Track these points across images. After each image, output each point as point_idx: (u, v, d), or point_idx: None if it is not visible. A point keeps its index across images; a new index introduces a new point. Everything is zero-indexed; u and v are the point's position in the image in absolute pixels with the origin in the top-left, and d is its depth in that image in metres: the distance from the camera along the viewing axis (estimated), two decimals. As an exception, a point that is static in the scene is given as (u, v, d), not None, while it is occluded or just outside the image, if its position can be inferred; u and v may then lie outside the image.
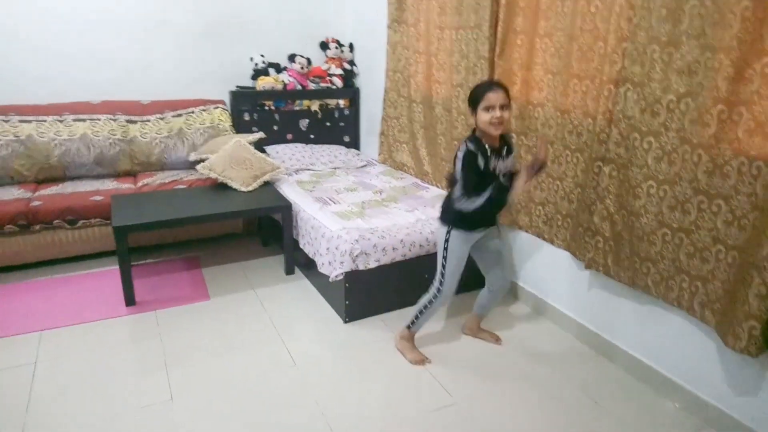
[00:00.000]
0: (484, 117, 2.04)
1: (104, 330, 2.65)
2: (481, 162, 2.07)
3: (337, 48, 4.44)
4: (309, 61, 4.36)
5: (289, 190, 3.45)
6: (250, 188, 3.40)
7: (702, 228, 1.94)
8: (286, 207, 3.16)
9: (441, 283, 2.31)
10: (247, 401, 2.16)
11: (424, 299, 2.38)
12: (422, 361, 2.42)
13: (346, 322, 2.74)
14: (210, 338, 2.60)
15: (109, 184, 3.53)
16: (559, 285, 2.75)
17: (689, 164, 1.94)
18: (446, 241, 2.26)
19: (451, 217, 2.24)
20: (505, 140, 2.19)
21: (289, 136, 4.39)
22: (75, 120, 3.62)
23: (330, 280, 2.66)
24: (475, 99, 2.07)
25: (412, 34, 3.57)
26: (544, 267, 2.82)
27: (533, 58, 2.67)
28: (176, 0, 3.94)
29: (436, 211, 3.02)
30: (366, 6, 4.24)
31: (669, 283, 2.10)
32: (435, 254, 2.84)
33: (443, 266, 2.29)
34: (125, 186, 3.52)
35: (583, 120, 2.42)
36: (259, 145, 3.90)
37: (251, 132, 4.06)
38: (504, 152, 2.16)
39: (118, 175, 3.74)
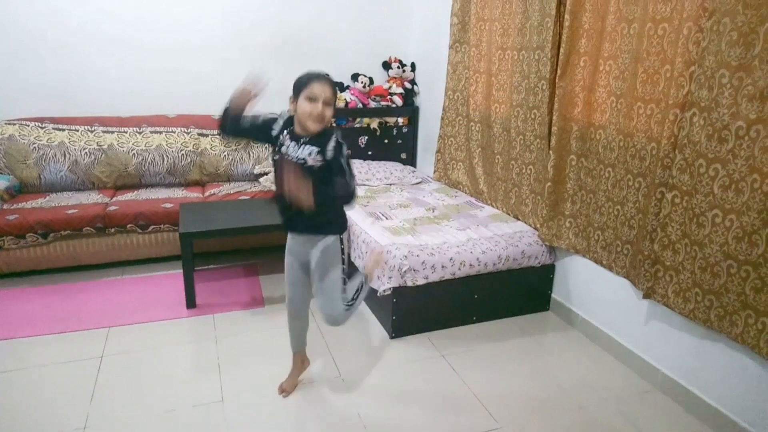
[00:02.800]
0: (304, 107, 1.88)
1: (165, 330, 2.79)
2: (276, 128, 1.98)
3: (399, 67, 4.53)
4: (371, 80, 4.47)
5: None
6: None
7: (771, 262, 1.82)
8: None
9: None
10: (292, 408, 2.21)
11: None
12: (281, 390, 2.29)
13: (392, 337, 2.75)
14: (262, 344, 2.68)
15: (179, 193, 3.74)
16: (615, 313, 2.65)
17: (758, 194, 1.84)
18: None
19: None
20: (320, 137, 1.93)
21: (348, 152, 4.48)
22: (152, 132, 3.88)
23: (378, 294, 2.69)
24: (298, 85, 1.92)
25: (473, 54, 3.59)
26: (601, 294, 2.73)
27: (596, 79, 2.63)
28: (251, 22, 4.16)
29: (489, 231, 3.02)
30: (430, 27, 4.31)
31: (733, 318, 1.98)
32: (486, 275, 2.84)
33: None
34: (193, 195, 3.72)
35: (646, 144, 2.35)
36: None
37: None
38: (313, 144, 1.92)
39: (187, 185, 3.96)
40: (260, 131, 2.04)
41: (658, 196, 2.26)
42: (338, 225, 2.09)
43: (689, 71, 2.08)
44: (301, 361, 2.36)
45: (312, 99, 1.88)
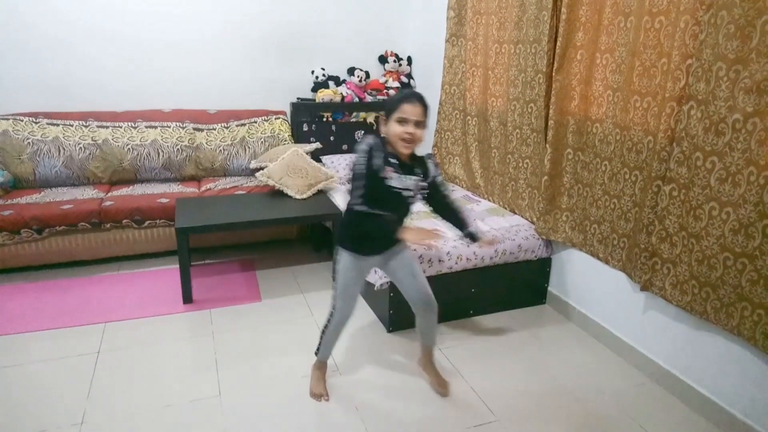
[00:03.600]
0: (395, 129, 1.86)
1: (162, 325, 2.79)
2: (377, 162, 1.88)
3: (395, 61, 4.51)
4: (367, 74, 4.45)
5: (341, 199, 3.52)
6: (305, 196, 3.50)
7: (767, 254, 1.83)
8: (338, 215, 3.23)
9: (334, 304, 2.15)
10: (290, 402, 2.21)
11: (324, 322, 2.22)
12: (319, 396, 2.23)
13: (389, 331, 2.76)
14: (259, 339, 2.68)
15: (175, 188, 3.72)
16: (612, 306, 2.66)
17: (755, 186, 1.85)
18: (336, 257, 2.11)
19: (342, 234, 2.10)
20: (419, 162, 2.01)
21: (345, 147, 4.48)
22: (147, 127, 3.85)
23: (375, 288, 2.69)
24: (390, 106, 1.90)
25: (470, 48, 3.59)
26: (598, 287, 2.74)
27: (593, 73, 2.62)
28: (245, 17, 4.13)
29: (486, 225, 3.02)
30: (426, 21, 4.30)
31: (729, 310, 1.99)
32: (483, 269, 2.84)
33: (334, 284, 2.14)
34: (189, 190, 3.70)
35: (643, 137, 2.35)
36: (316, 155, 4.01)
37: (309, 142, 4.18)
38: (414, 172, 1.98)
39: (183, 180, 3.94)
40: (375, 182, 1.91)
41: (655, 189, 2.26)
42: None
43: (686, 64, 2.08)
44: (326, 364, 2.34)
45: (403, 121, 1.85)
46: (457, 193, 3.66)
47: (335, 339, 2.24)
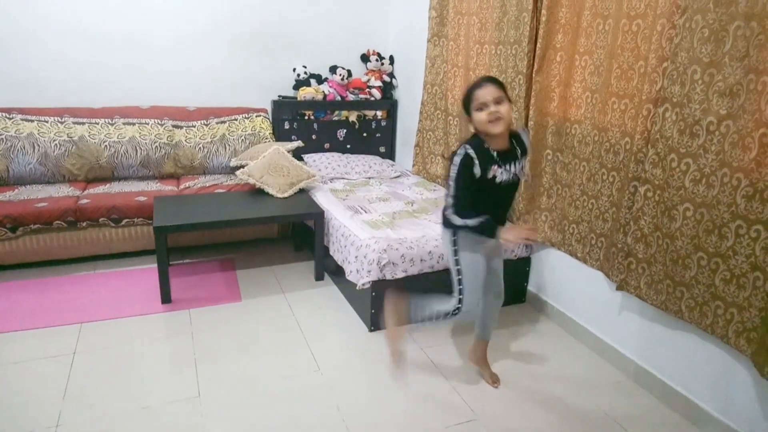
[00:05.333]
0: (479, 117, 1.89)
1: (140, 325, 2.75)
2: (477, 171, 1.91)
3: (377, 60, 4.51)
4: (349, 72, 4.44)
5: (322, 198, 3.51)
6: (286, 195, 3.48)
7: (739, 254, 1.88)
8: (319, 214, 3.22)
9: (460, 297, 2.09)
10: (270, 403, 2.20)
11: (441, 308, 2.14)
12: (495, 381, 2.35)
13: (371, 330, 2.76)
14: (239, 339, 2.66)
15: (153, 186, 3.67)
16: (590, 305, 2.70)
17: (728, 188, 1.89)
18: (454, 245, 2.05)
19: (456, 238, 2.06)
20: (516, 139, 2.02)
21: (327, 146, 4.47)
22: (125, 123, 3.79)
23: (357, 287, 2.69)
24: (466, 101, 1.93)
25: (451, 48, 3.60)
26: (576, 286, 2.77)
27: (572, 75, 2.66)
28: (226, 13, 4.09)
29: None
30: (408, 20, 4.30)
31: (703, 308, 2.03)
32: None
33: (458, 277, 2.07)
34: (168, 188, 3.65)
35: (620, 139, 2.39)
36: (297, 154, 4.00)
37: (290, 140, 4.16)
38: (517, 153, 2.01)
39: (162, 178, 3.89)
40: (480, 187, 1.95)
41: (632, 189, 2.30)
42: None
43: (662, 67, 2.12)
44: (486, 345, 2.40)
45: (482, 107, 1.88)
46: (439, 193, 3.68)
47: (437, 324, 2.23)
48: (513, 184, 2.04)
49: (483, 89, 1.88)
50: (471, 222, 1.93)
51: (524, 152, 2.06)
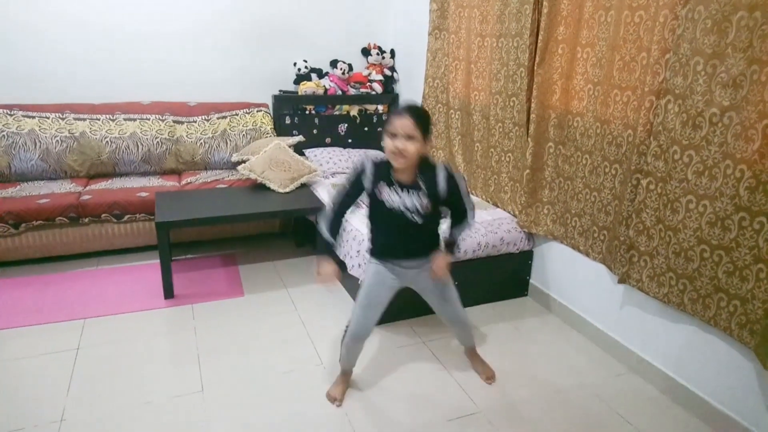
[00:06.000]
0: (387, 143, 1.82)
1: (143, 321, 2.75)
2: (367, 184, 1.91)
3: (378, 54, 4.49)
4: (350, 66, 4.43)
5: (324, 193, 3.50)
6: (287, 190, 3.48)
7: (742, 246, 1.87)
8: (321, 209, 3.21)
9: (352, 312, 2.12)
10: (274, 397, 2.21)
11: (343, 330, 2.19)
12: (332, 399, 2.18)
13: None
14: (242, 334, 2.66)
15: (155, 182, 3.67)
16: (593, 298, 2.69)
17: (731, 180, 1.88)
18: (369, 261, 2.10)
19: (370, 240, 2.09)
20: (427, 176, 1.88)
21: (328, 140, 4.46)
22: (126, 119, 3.79)
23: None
24: (386, 122, 1.87)
25: (452, 41, 3.58)
26: (578, 279, 2.77)
27: (574, 67, 2.64)
28: (226, 8, 4.07)
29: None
30: (409, 13, 4.28)
31: (706, 301, 2.03)
32: (465, 261, 2.86)
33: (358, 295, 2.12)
34: (170, 184, 3.65)
35: (623, 131, 2.37)
36: (299, 148, 3.99)
37: (291, 135, 4.15)
38: (420, 190, 1.88)
39: (163, 173, 3.89)
40: (356, 196, 1.99)
41: (634, 182, 2.29)
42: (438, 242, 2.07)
43: (665, 58, 2.10)
44: (350, 374, 2.28)
45: (392, 134, 1.81)
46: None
47: (354, 351, 2.17)
48: (405, 218, 1.91)
49: (400, 119, 1.79)
50: (323, 228, 1.99)
51: (432, 194, 1.89)
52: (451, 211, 2.00)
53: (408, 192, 1.88)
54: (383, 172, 1.90)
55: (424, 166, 1.89)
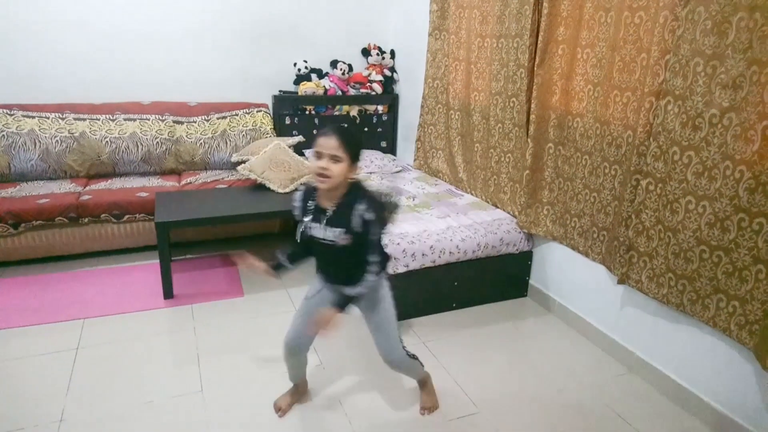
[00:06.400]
0: (311, 163, 1.73)
1: (143, 321, 2.75)
2: (296, 211, 1.86)
3: (378, 55, 4.50)
4: (350, 67, 4.43)
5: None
6: (287, 190, 3.48)
7: (742, 246, 1.87)
8: (321, 209, 3.21)
9: None
10: (273, 397, 2.20)
11: None
12: (277, 408, 2.12)
13: (374, 325, 2.76)
14: (242, 334, 2.66)
15: (155, 182, 3.67)
16: (592, 299, 2.70)
17: (730, 180, 1.89)
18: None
19: None
20: (348, 202, 1.74)
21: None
22: (126, 119, 3.79)
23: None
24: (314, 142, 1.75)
25: (452, 41, 3.59)
26: (578, 280, 2.77)
27: (574, 68, 2.65)
28: (226, 8, 4.07)
29: (469, 219, 3.04)
30: (409, 14, 4.28)
31: (705, 301, 2.03)
32: (465, 262, 2.86)
33: None
34: (169, 184, 3.65)
35: (622, 132, 2.38)
36: (298, 149, 3.99)
37: (291, 135, 4.15)
38: (343, 216, 1.74)
39: (163, 173, 3.88)
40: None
41: (634, 183, 2.29)
42: (384, 268, 1.93)
43: (664, 59, 2.11)
44: (303, 386, 2.23)
45: (317, 155, 1.70)
46: (440, 187, 3.68)
47: (291, 364, 2.10)
48: (334, 250, 1.78)
49: (325, 139, 1.69)
50: (285, 250, 1.94)
51: (347, 227, 1.73)
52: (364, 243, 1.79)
53: (326, 222, 1.77)
54: (309, 196, 1.82)
55: (352, 193, 1.76)
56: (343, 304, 1.79)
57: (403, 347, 2.02)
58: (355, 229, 1.73)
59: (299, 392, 2.21)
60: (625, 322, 2.51)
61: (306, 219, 1.82)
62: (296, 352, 2.05)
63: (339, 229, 1.74)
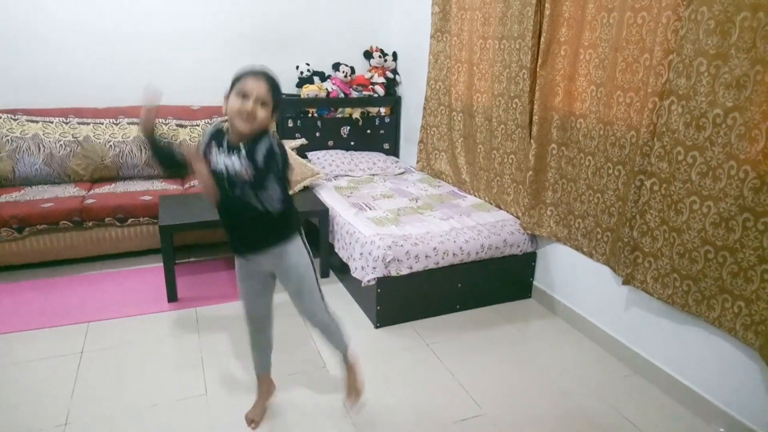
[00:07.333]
0: (233, 103, 1.63)
1: (147, 324, 2.76)
2: (203, 148, 1.73)
3: (380, 57, 4.50)
4: (352, 69, 4.44)
5: (326, 195, 3.51)
6: (290, 192, 3.47)
7: (747, 246, 1.86)
8: (324, 211, 3.22)
9: None
10: (277, 400, 2.20)
11: None
12: (249, 421, 2.07)
13: (377, 327, 2.76)
14: (245, 337, 2.65)
15: (158, 185, 3.68)
16: (596, 300, 2.69)
17: (735, 180, 1.88)
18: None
19: None
20: (256, 142, 1.66)
21: (330, 143, 4.47)
22: (129, 123, 3.80)
23: (362, 284, 2.69)
24: (234, 79, 1.67)
25: (455, 43, 3.59)
26: (582, 281, 2.76)
27: (577, 68, 2.64)
28: (229, 12, 4.09)
29: (472, 221, 3.04)
30: (411, 16, 4.29)
31: (710, 302, 2.02)
32: (468, 264, 2.86)
33: None
34: (173, 187, 3.66)
35: (626, 132, 2.37)
36: (302, 151, 4.00)
37: (294, 138, 4.15)
38: (245, 150, 1.66)
39: (166, 177, 3.89)
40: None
41: (638, 183, 2.29)
42: (291, 226, 1.86)
43: (668, 60, 2.10)
44: (266, 384, 2.15)
45: (243, 95, 1.62)
46: (443, 189, 3.67)
47: (252, 348, 2.09)
48: (233, 184, 1.67)
49: (254, 81, 1.63)
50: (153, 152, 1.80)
51: (251, 160, 1.64)
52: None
53: (231, 152, 1.68)
54: (219, 135, 1.74)
55: (262, 137, 1.68)
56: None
57: (327, 311, 1.99)
58: (259, 162, 1.63)
59: (264, 393, 2.14)
60: (630, 323, 2.50)
61: (211, 152, 1.71)
62: (259, 325, 2.03)
63: (242, 159, 1.64)
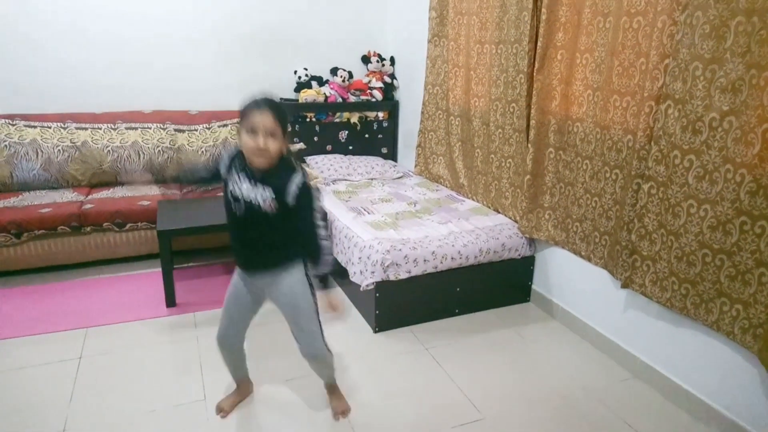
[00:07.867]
0: (246, 141, 1.68)
1: (145, 329, 2.75)
2: (222, 169, 1.81)
3: (378, 62, 4.52)
4: (350, 74, 4.45)
5: (325, 200, 3.51)
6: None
7: (744, 250, 1.87)
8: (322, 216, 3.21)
9: None
10: (276, 405, 2.20)
11: None
12: (219, 410, 2.12)
13: (376, 331, 2.76)
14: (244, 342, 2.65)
15: (157, 190, 3.68)
16: (595, 303, 2.69)
17: (732, 184, 1.89)
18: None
19: None
20: (281, 176, 1.72)
21: (329, 148, 4.48)
22: (127, 128, 3.80)
23: (361, 289, 2.69)
24: (241, 116, 1.72)
25: (452, 48, 3.60)
26: (581, 285, 2.77)
27: (573, 73, 2.65)
28: (226, 17, 4.10)
29: (470, 225, 3.04)
30: (408, 21, 4.30)
31: (709, 305, 2.03)
32: (467, 267, 2.86)
33: None
34: (171, 192, 3.66)
35: (623, 136, 2.38)
36: (300, 156, 4.00)
37: (292, 143, 4.16)
38: (270, 183, 1.72)
39: (164, 182, 3.89)
40: (213, 174, 1.89)
41: (635, 187, 2.29)
42: (295, 256, 1.89)
43: (664, 64, 2.11)
44: (246, 386, 2.23)
45: (252, 131, 1.66)
46: (441, 193, 3.68)
47: (228, 359, 2.09)
48: (252, 213, 1.74)
49: (260, 115, 1.66)
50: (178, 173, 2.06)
51: (279, 196, 1.71)
52: (301, 231, 1.79)
53: (257, 184, 1.73)
54: (239, 159, 1.79)
55: (282, 166, 1.74)
56: (324, 284, 1.87)
57: (325, 343, 2.02)
58: (287, 199, 1.71)
59: (242, 393, 2.21)
60: (629, 327, 2.50)
61: (232, 176, 1.77)
62: (229, 347, 2.06)
63: (268, 193, 1.71)
